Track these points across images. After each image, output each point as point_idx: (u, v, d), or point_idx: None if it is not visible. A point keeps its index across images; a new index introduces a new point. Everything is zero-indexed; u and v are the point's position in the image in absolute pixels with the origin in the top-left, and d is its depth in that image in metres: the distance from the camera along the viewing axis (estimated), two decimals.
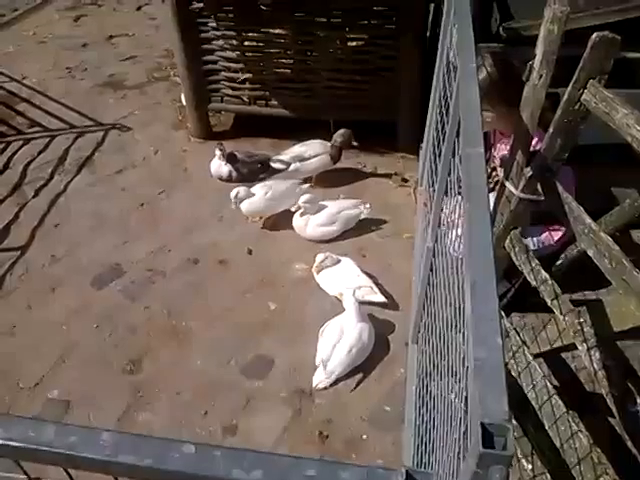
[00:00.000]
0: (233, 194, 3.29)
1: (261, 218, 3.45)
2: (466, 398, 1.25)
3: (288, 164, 3.58)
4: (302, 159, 3.59)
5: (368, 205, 3.35)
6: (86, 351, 2.77)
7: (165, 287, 3.07)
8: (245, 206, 3.33)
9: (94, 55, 5.47)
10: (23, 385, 2.64)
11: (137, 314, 2.93)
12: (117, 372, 2.67)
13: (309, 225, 3.24)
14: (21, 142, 4.29)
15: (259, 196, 3.34)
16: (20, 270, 3.23)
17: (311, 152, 3.60)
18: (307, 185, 3.52)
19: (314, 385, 2.55)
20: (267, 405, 2.52)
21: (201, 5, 3.53)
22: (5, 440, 0.79)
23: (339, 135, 3.64)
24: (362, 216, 3.34)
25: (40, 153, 4.15)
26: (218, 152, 3.62)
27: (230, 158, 3.64)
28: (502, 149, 2.55)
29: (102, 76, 5.09)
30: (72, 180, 3.86)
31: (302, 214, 3.22)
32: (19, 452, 0.81)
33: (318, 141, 3.66)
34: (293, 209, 3.24)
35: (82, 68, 5.26)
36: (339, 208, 3.29)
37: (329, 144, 3.65)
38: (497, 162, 2.52)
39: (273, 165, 3.61)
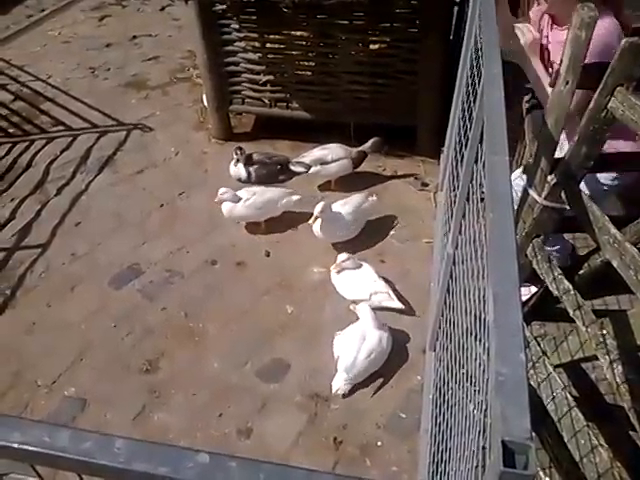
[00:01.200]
0: (220, 192, 3.27)
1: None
2: (486, 410, 1.23)
3: (308, 167, 3.57)
4: (323, 162, 3.57)
5: (374, 197, 3.38)
6: (103, 350, 2.79)
7: (183, 288, 3.08)
8: (225, 208, 3.31)
9: (117, 55, 5.52)
10: (41, 383, 2.67)
11: (155, 315, 2.95)
12: (134, 372, 2.68)
13: (329, 233, 3.20)
14: (44, 141, 4.35)
15: (240, 202, 3.31)
16: (41, 268, 3.27)
17: (333, 156, 3.58)
18: (296, 197, 3.41)
19: (333, 391, 2.52)
20: (282, 409, 2.51)
21: (224, 7, 3.54)
22: (21, 444, 0.79)
23: (372, 144, 3.64)
24: (370, 207, 3.35)
25: (63, 152, 4.20)
26: (235, 155, 3.62)
27: (248, 160, 3.65)
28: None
29: (125, 76, 5.13)
30: (94, 179, 3.90)
31: (321, 226, 3.16)
32: (34, 456, 0.80)
33: (339, 145, 3.64)
34: (310, 221, 3.15)
35: (105, 68, 5.30)
36: (353, 208, 3.25)
37: (350, 148, 3.63)
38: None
39: (293, 168, 3.61)
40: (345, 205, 3.25)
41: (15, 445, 0.79)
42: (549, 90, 2.00)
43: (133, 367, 2.70)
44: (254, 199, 3.31)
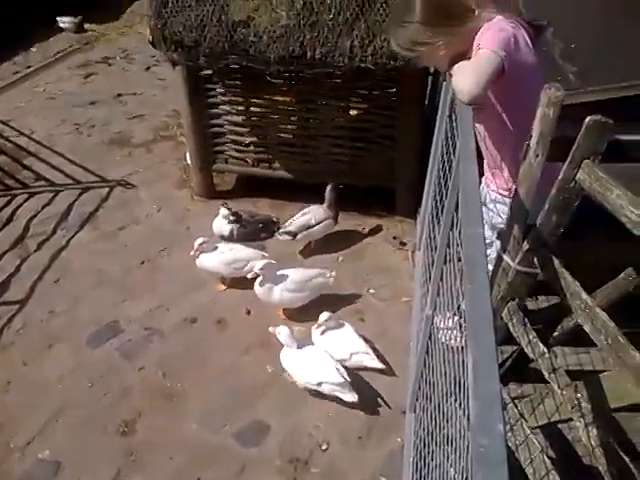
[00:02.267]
0: (197, 242, 3.30)
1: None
2: (466, 478, 1.26)
3: (295, 234, 3.63)
4: (308, 227, 3.64)
5: (334, 272, 3.29)
6: (80, 411, 2.73)
7: (162, 347, 3.06)
8: (199, 260, 3.34)
9: (102, 112, 5.63)
10: (14, 444, 2.60)
11: (132, 374, 2.91)
12: (110, 433, 2.63)
13: (275, 290, 3.14)
14: (26, 195, 4.36)
15: (214, 255, 3.34)
16: (18, 324, 3.23)
17: (316, 218, 3.66)
18: (265, 262, 3.30)
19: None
20: (261, 474, 2.48)
21: (210, 72, 3.68)
22: None
23: (329, 192, 3.71)
24: (329, 282, 3.27)
25: (44, 207, 4.21)
26: (225, 211, 3.69)
27: (234, 217, 3.72)
28: None
29: (109, 133, 5.22)
30: (75, 235, 3.91)
31: (261, 283, 3.14)
32: None
33: (318, 206, 3.73)
34: (249, 276, 3.14)
35: (90, 125, 5.39)
36: (306, 276, 3.22)
37: (326, 206, 3.73)
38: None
39: (280, 238, 3.65)
40: (295, 273, 3.22)
41: None
42: None
43: (109, 428, 2.65)
44: (226, 254, 3.35)
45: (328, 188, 3.71)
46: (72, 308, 3.32)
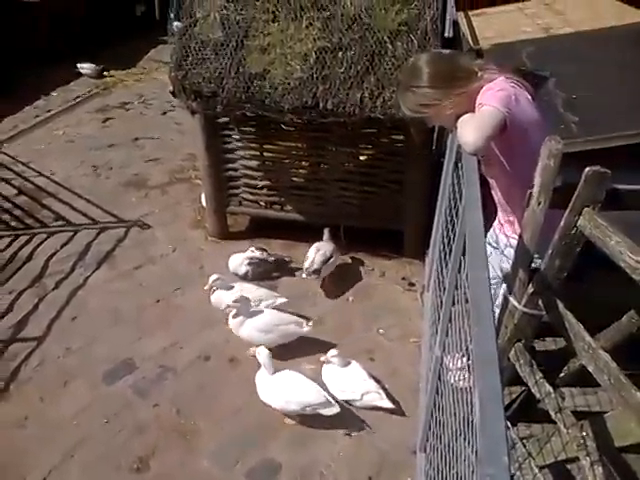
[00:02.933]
0: (212, 278, 3.43)
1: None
2: None
3: (319, 271, 3.74)
4: (325, 261, 3.77)
5: (310, 323, 3.32)
6: (95, 447, 2.78)
7: (175, 384, 3.12)
8: (214, 297, 3.46)
9: (120, 155, 5.83)
10: (29, 479, 2.64)
11: (146, 411, 2.97)
12: (124, 470, 2.67)
13: (245, 325, 3.24)
14: (45, 235, 4.50)
15: (230, 291, 3.45)
16: (35, 361, 3.31)
17: (328, 252, 3.81)
18: (281, 300, 3.54)
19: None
20: None
21: (227, 119, 3.86)
22: None
23: (327, 231, 3.97)
24: (303, 334, 3.30)
25: (63, 246, 4.35)
26: (252, 253, 3.86)
27: (258, 260, 3.88)
28: None
29: (126, 175, 5.40)
30: (92, 274, 4.02)
31: (234, 316, 3.24)
32: None
33: (324, 242, 3.92)
34: (221, 307, 3.36)
35: (108, 167, 5.59)
36: (278, 320, 3.28)
37: (328, 241, 3.93)
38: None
39: (308, 277, 3.76)
40: (269, 314, 3.28)
41: None
42: None
43: (124, 465, 2.69)
44: (240, 293, 3.43)
45: (325, 233, 3.93)
46: (88, 345, 3.40)
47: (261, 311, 3.30)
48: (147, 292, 3.85)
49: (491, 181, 2.43)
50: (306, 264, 3.78)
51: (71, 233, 4.51)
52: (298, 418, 2.88)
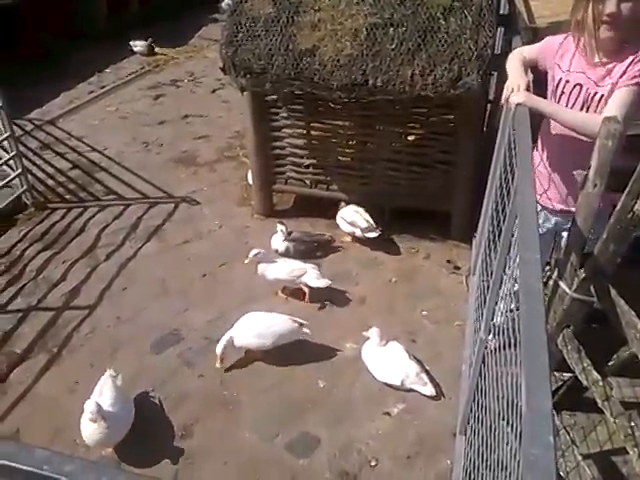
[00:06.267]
0: (252, 253, 3.49)
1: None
2: None
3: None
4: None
5: (307, 330, 3.18)
6: (141, 413, 2.87)
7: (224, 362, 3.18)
8: (260, 267, 3.53)
9: (170, 132, 5.94)
10: (79, 442, 2.75)
11: (192, 381, 3.06)
12: (169, 436, 2.76)
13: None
14: (97, 208, 4.65)
15: (273, 265, 3.54)
16: (87, 329, 3.44)
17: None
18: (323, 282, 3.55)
19: None
20: None
21: (275, 97, 3.86)
22: None
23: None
24: (293, 334, 3.17)
25: (114, 220, 4.48)
26: (282, 227, 3.88)
27: (289, 234, 3.90)
28: None
29: (176, 152, 5.49)
30: (142, 247, 4.14)
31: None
32: None
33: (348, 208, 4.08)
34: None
35: (158, 143, 5.70)
36: (272, 324, 3.12)
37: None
38: None
39: (374, 234, 3.96)
40: (270, 317, 3.17)
41: None
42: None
43: (168, 432, 2.78)
44: (283, 266, 3.53)
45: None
46: (137, 315, 3.52)
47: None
48: (194, 266, 3.93)
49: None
50: (364, 225, 3.91)
51: (122, 207, 4.64)
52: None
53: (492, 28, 3.22)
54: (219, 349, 3.05)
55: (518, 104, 2.25)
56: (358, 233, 3.99)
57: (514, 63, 2.50)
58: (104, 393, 2.70)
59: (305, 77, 3.36)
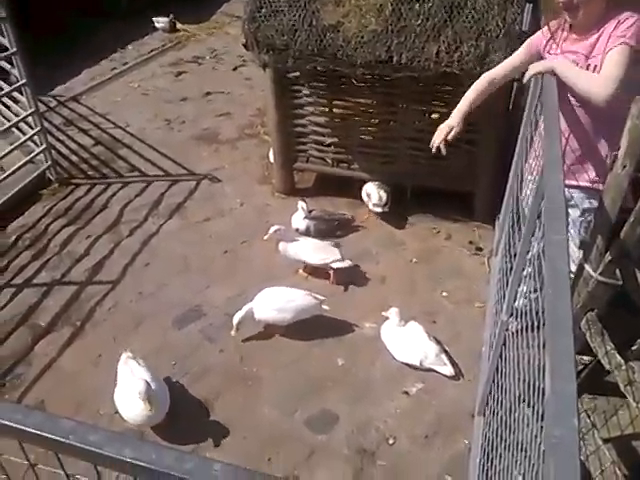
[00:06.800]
0: (272, 229, 3.50)
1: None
2: (536, 474, 1.30)
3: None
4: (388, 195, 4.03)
5: (326, 307, 3.19)
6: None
7: (240, 333, 3.22)
8: (281, 245, 3.53)
9: (192, 109, 5.93)
10: (103, 411, 2.83)
11: (213, 356, 3.10)
12: (189, 411, 2.81)
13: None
14: (120, 185, 4.69)
15: (294, 242, 3.55)
16: (109, 303, 3.49)
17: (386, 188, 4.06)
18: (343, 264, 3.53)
19: None
20: (329, 461, 2.58)
21: (297, 74, 3.82)
22: (132, 459, 0.93)
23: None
24: (312, 309, 3.18)
25: (137, 196, 4.52)
26: (303, 204, 3.89)
27: (309, 212, 3.92)
28: None
29: (198, 129, 5.49)
30: (164, 224, 4.17)
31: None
32: (142, 471, 0.93)
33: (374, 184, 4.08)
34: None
35: (180, 121, 5.70)
36: (291, 298, 3.15)
37: None
38: None
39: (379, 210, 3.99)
40: (290, 291, 3.19)
41: (127, 459, 0.93)
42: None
43: (190, 406, 2.83)
44: (304, 245, 3.54)
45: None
46: (159, 291, 3.56)
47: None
48: (215, 243, 3.95)
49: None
50: (374, 200, 3.93)
51: (145, 184, 4.67)
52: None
53: (520, 4, 3.14)
54: (236, 318, 3.09)
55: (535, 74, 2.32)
56: (370, 206, 4.02)
57: (462, 101, 2.75)
58: (137, 374, 2.69)
59: (328, 53, 3.32)
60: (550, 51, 2.47)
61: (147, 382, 2.56)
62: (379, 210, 3.98)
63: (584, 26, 2.28)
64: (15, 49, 4.06)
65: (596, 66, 2.23)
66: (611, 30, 2.16)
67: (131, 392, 2.55)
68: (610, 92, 2.07)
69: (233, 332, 3.13)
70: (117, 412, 2.77)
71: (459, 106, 2.71)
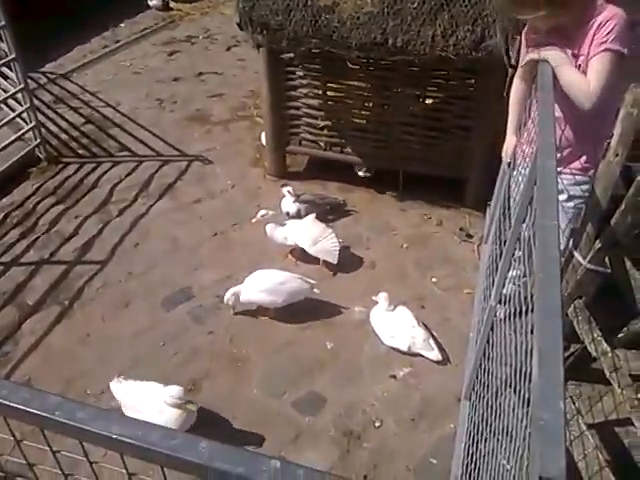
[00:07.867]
0: (261, 213, 3.54)
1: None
2: (520, 457, 1.31)
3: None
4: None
5: (317, 290, 3.21)
6: (151, 367, 2.93)
7: (229, 314, 3.22)
8: (268, 229, 3.53)
9: (184, 89, 5.86)
10: (90, 392, 2.83)
11: (201, 338, 3.09)
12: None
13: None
14: (110, 164, 4.64)
15: (281, 226, 3.54)
16: (98, 283, 3.48)
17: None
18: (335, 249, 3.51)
19: None
20: (316, 442, 2.60)
21: (291, 55, 3.78)
22: (119, 436, 0.92)
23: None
24: (301, 292, 3.18)
25: (127, 176, 4.48)
26: (288, 188, 3.87)
27: (297, 196, 3.89)
28: None
29: (190, 110, 5.43)
30: (154, 204, 4.14)
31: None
32: (127, 448, 0.93)
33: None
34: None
35: (172, 101, 5.63)
36: (281, 279, 3.14)
37: None
38: None
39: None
40: (281, 274, 3.18)
41: (113, 436, 0.93)
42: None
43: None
44: (292, 227, 3.54)
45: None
46: (149, 271, 3.54)
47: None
48: (205, 225, 3.94)
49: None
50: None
51: (135, 164, 4.62)
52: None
53: None
54: (228, 295, 3.12)
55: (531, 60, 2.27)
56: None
57: (510, 114, 2.67)
58: (145, 390, 2.60)
59: (323, 34, 3.28)
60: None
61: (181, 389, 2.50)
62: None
63: (561, 29, 2.18)
64: (4, 22, 3.97)
65: (580, 65, 2.18)
66: (595, 29, 2.07)
67: (157, 407, 2.46)
68: (593, 104, 2.01)
69: (232, 311, 3.16)
70: (103, 392, 2.78)
71: (510, 118, 2.69)
